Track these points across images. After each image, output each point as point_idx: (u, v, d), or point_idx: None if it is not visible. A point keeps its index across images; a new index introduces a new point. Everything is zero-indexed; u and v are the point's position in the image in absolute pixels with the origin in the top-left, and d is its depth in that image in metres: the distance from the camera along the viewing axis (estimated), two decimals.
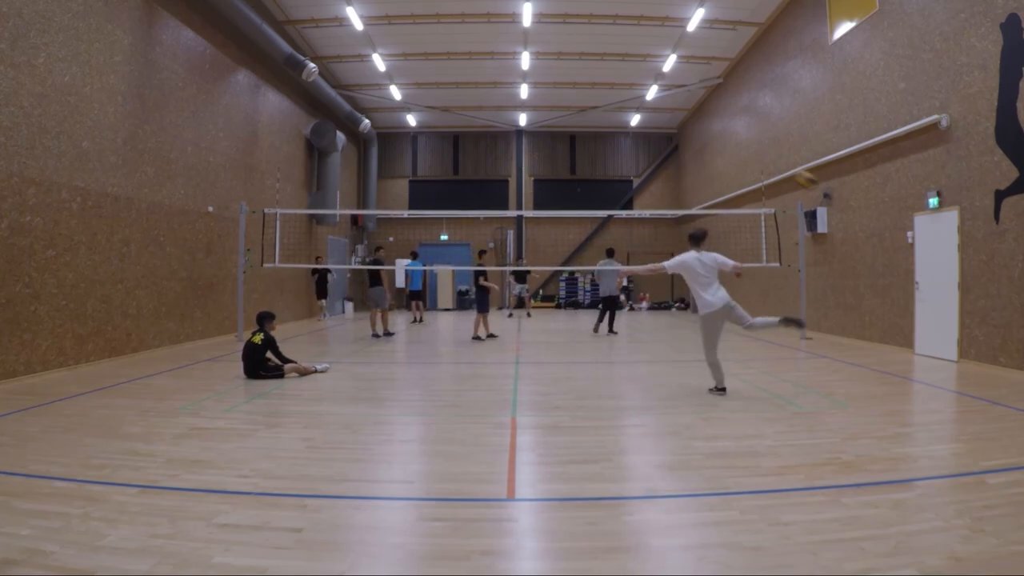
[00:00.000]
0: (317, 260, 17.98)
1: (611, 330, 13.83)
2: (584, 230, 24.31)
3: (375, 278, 13.24)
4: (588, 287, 24.03)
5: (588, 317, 19.90)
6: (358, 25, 15.01)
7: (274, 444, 4.86)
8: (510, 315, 20.44)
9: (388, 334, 13.42)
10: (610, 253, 14.52)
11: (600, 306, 14.17)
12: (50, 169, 7.96)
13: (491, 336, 12.76)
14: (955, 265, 8.82)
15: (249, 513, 3.36)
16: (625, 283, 22.90)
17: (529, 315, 19.76)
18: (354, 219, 22.34)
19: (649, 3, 14.41)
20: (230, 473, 4.12)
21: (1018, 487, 3.76)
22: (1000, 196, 8.03)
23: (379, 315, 13.35)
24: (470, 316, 20.39)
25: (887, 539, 3.04)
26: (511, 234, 24.25)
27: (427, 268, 20.40)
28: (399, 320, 17.80)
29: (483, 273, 12.72)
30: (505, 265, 23.58)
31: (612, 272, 13.57)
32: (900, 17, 10.11)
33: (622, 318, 19.08)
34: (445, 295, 23.20)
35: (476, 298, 12.74)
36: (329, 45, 16.89)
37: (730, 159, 18.53)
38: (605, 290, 13.80)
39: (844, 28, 11.90)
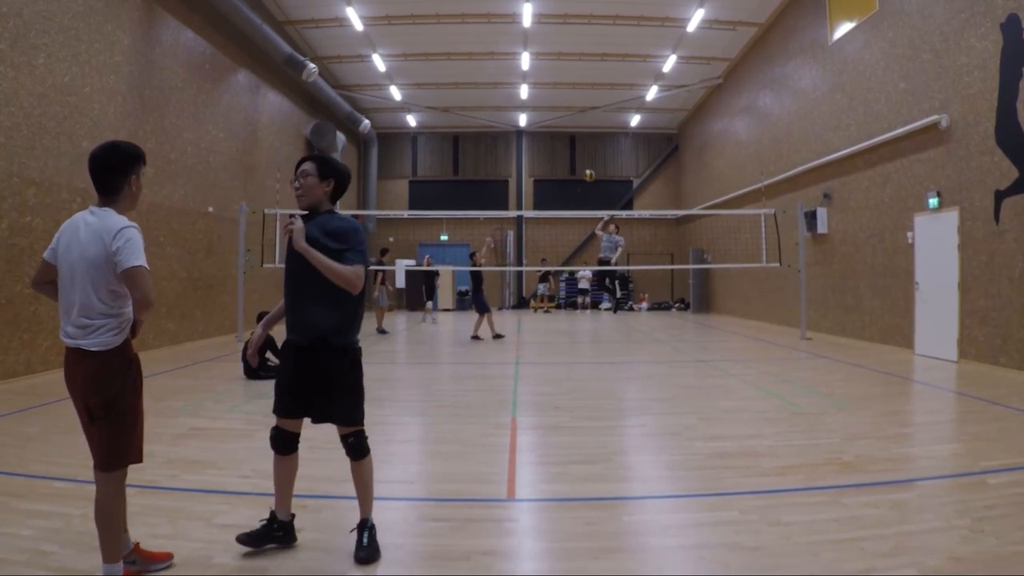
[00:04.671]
0: (428, 262, 17.24)
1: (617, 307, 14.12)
2: (584, 230, 24.29)
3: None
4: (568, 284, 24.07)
5: (585, 317, 19.90)
6: (358, 26, 15.01)
7: None
8: (546, 311, 21.66)
9: (382, 331, 13.89)
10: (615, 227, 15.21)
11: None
12: (50, 169, 7.96)
13: (498, 336, 12.56)
14: (955, 265, 8.81)
15: (249, 513, 3.35)
16: (585, 285, 23.33)
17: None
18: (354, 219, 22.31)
19: (649, 3, 14.40)
20: (230, 473, 4.12)
21: (1018, 487, 3.76)
22: (1000, 196, 8.02)
23: (379, 312, 14.19)
24: (469, 316, 20.38)
25: (887, 539, 3.04)
26: (511, 234, 24.25)
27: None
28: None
29: (479, 274, 12.85)
30: (507, 266, 23.60)
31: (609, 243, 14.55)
32: (900, 17, 10.11)
33: (623, 320, 19.03)
34: (445, 295, 23.18)
35: (474, 299, 12.85)
36: (329, 45, 16.89)
37: (730, 159, 18.53)
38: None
39: (844, 28, 11.90)
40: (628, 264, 23.26)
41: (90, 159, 2.59)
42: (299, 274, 2.92)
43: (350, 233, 2.90)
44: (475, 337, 12.47)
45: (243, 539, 2.94)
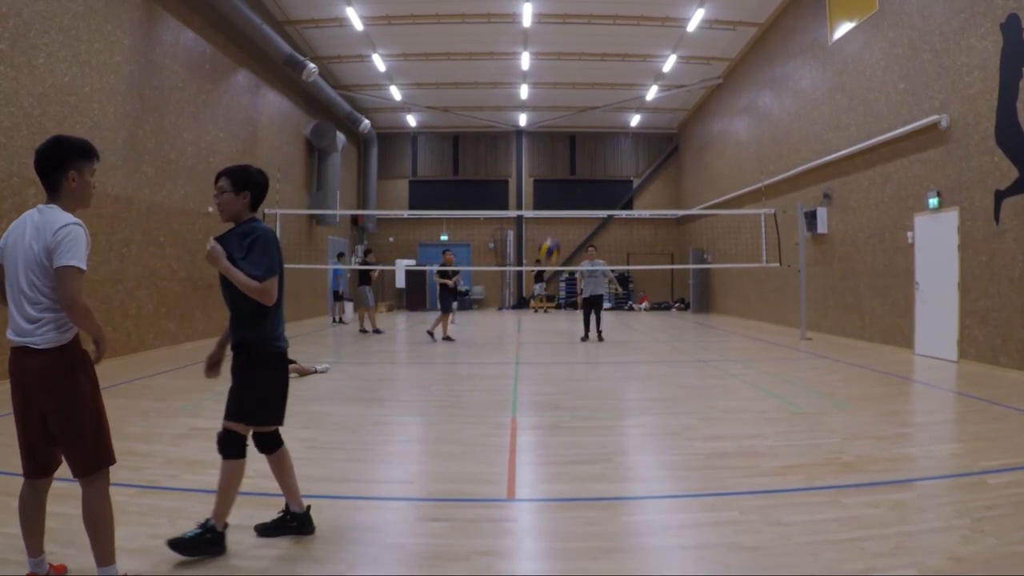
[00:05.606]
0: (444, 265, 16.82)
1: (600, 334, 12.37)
2: (584, 230, 24.30)
3: (363, 278, 14.03)
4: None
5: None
6: (358, 25, 15.01)
7: None
8: (545, 311, 21.84)
9: (376, 331, 13.87)
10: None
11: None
12: None
13: (447, 339, 12.31)
14: (955, 265, 8.81)
15: (249, 513, 3.35)
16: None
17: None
18: (354, 219, 22.33)
19: (649, 3, 14.40)
20: None
21: (1018, 487, 3.76)
22: (1000, 196, 8.02)
23: (366, 313, 14.15)
24: (468, 316, 20.39)
25: (887, 539, 3.04)
26: (511, 234, 24.25)
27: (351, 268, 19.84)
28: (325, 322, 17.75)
29: (446, 273, 12.70)
30: (506, 265, 23.62)
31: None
32: (900, 17, 10.11)
33: (623, 320, 19.04)
34: None
35: (440, 297, 12.79)
36: (329, 45, 16.89)
37: (730, 159, 18.53)
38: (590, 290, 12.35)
39: (844, 28, 11.89)
40: (628, 264, 23.30)
41: (34, 153, 2.54)
42: (224, 288, 3.03)
43: (258, 244, 2.95)
44: (447, 338, 12.34)
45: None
